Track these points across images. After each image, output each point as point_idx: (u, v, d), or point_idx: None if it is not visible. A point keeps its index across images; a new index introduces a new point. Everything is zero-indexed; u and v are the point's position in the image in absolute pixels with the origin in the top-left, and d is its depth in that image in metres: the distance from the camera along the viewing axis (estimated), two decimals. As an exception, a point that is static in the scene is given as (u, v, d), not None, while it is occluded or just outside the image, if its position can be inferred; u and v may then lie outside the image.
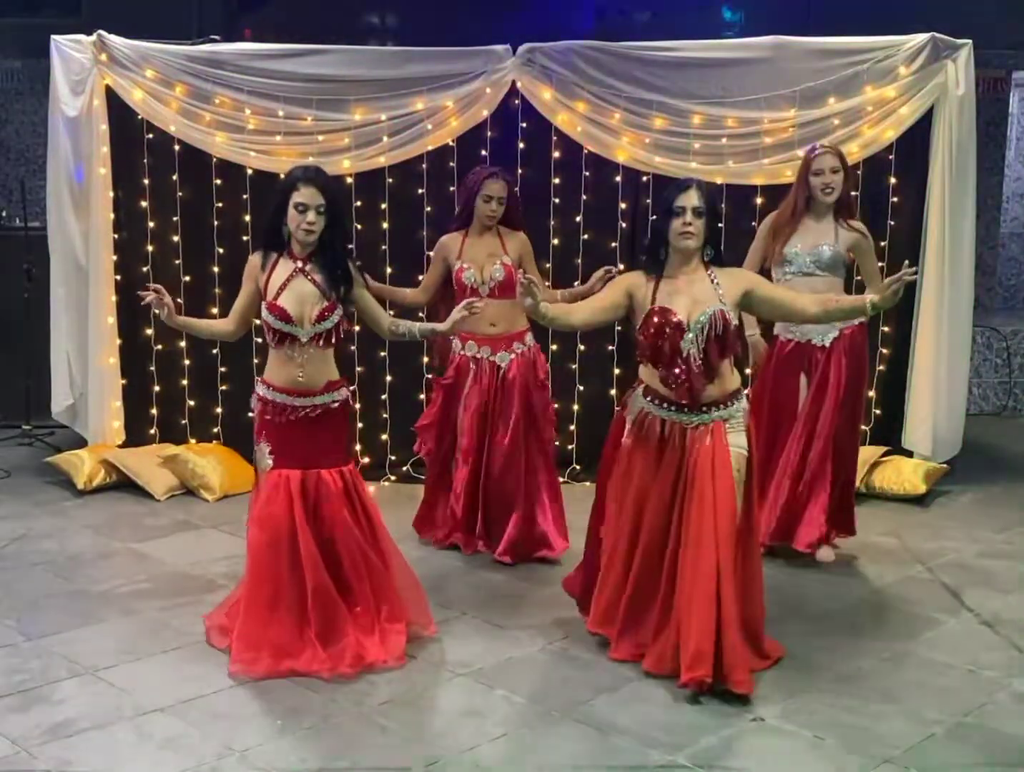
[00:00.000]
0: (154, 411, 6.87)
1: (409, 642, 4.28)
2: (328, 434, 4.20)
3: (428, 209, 6.59)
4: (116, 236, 6.72)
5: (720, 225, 4.35)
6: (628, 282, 4.24)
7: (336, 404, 4.22)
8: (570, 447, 6.81)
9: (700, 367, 4.07)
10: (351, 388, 6.59)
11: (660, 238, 4.18)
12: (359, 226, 6.65)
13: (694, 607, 3.97)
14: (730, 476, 4.08)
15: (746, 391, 4.38)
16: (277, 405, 4.17)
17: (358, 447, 6.79)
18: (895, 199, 6.62)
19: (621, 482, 4.26)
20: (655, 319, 4.08)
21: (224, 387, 6.75)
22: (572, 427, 6.80)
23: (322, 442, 4.18)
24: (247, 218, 6.59)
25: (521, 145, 6.57)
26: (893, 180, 6.59)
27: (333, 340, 4.17)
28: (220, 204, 6.66)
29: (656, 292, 4.13)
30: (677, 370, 4.07)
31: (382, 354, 6.75)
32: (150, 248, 6.73)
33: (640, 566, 4.19)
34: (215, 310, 6.42)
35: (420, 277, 6.41)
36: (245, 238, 6.54)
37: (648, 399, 4.20)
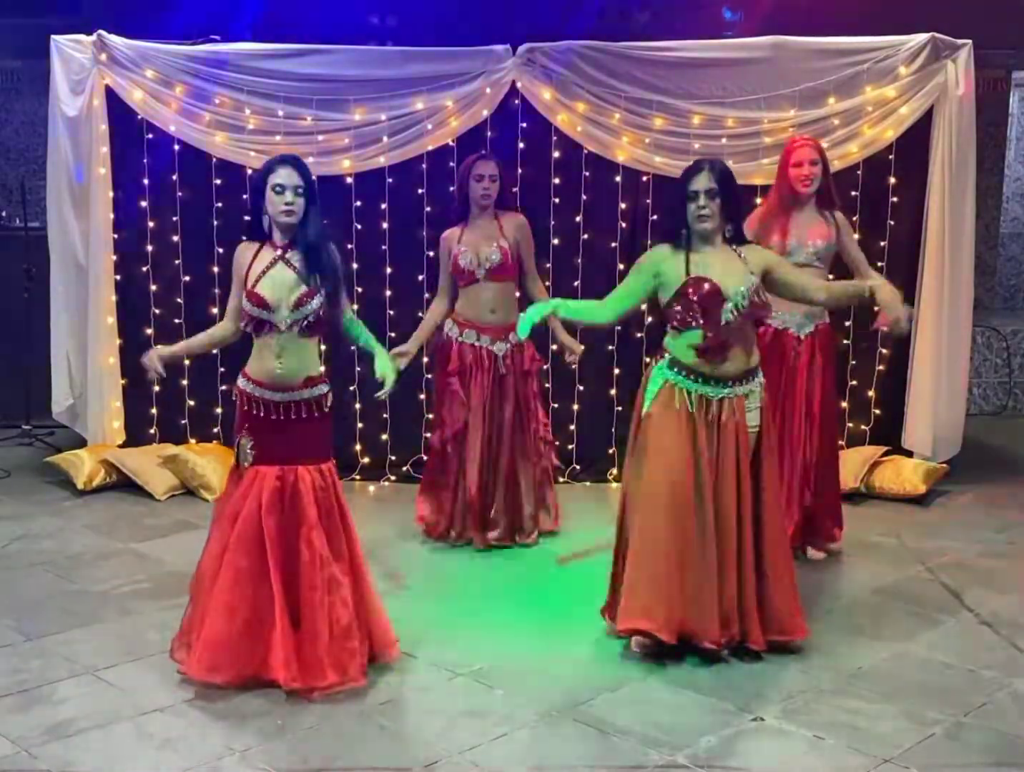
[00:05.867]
0: (154, 411, 6.87)
1: (374, 662, 4.14)
2: (307, 431, 4.07)
3: (428, 209, 6.59)
4: (116, 236, 6.72)
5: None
6: (652, 259, 4.30)
7: (314, 400, 4.09)
8: (570, 447, 6.81)
9: (737, 333, 4.17)
10: (351, 388, 6.68)
11: (680, 221, 4.25)
12: (359, 226, 6.65)
13: (726, 575, 4.18)
14: (749, 452, 4.22)
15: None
16: (255, 399, 4.06)
17: (358, 447, 6.80)
18: (895, 199, 6.62)
19: (649, 452, 4.24)
20: (691, 287, 4.15)
21: (224, 387, 6.73)
22: (572, 427, 6.80)
23: (301, 438, 4.06)
24: (247, 218, 6.55)
25: (521, 145, 6.57)
26: (893, 180, 6.59)
27: (315, 329, 4.06)
28: (220, 204, 6.66)
29: (688, 263, 4.20)
30: (715, 334, 4.15)
31: (382, 354, 6.74)
32: (150, 248, 6.73)
33: (690, 547, 4.17)
34: (215, 310, 6.42)
35: (420, 277, 6.45)
36: (245, 238, 6.52)
37: (675, 371, 4.24)
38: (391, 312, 6.71)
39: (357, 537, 4.20)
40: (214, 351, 6.67)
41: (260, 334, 4.05)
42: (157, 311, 6.77)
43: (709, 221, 4.17)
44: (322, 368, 4.19)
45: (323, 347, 4.34)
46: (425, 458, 6.16)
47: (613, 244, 6.65)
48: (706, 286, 4.15)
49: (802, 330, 5.33)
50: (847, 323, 6.71)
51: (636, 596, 4.19)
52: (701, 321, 4.17)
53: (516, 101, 6.50)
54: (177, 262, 6.75)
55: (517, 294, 5.66)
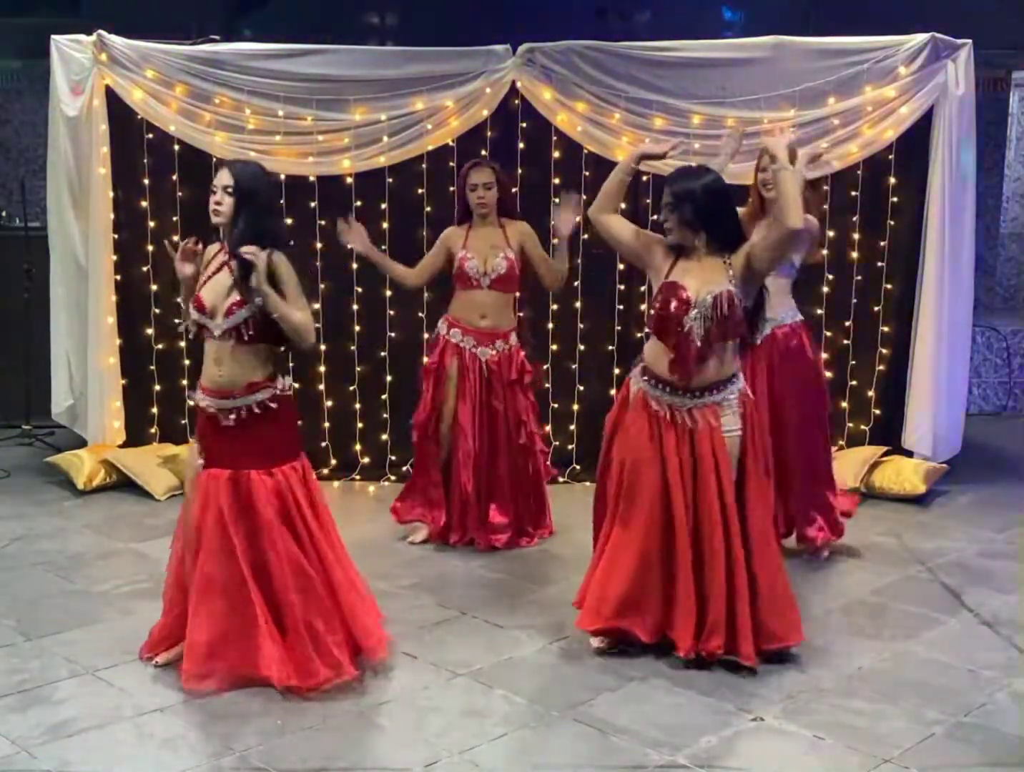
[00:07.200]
0: (154, 411, 6.87)
1: (359, 655, 4.11)
2: (255, 436, 4.00)
3: (428, 209, 6.59)
4: (116, 236, 6.72)
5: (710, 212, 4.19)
6: (657, 237, 4.31)
7: (257, 405, 3.99)
8: (570, 447, 6.81)
9: (700, 346, 4.12)
10: (351, 388, 6.68)
11: None
12: (359, 226, 6.65)
13: (712, 583, 4.14)
14: (727, 457, 4.16)
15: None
16: (204, 407, 4.04)
17: (358, 447, 6.81)
18: (895, 199, 6.62)
19: (621, 459, 4.27)
20: (664, 293, 4.17)
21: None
22: (572, 427, 6.80)
23: (249, 444, 4.00)
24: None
25: (521, 145, 6.58)
26: (893, 180, 6.59)
27: (254, 337, 3.94)
28: (220, 204, 6.65)
29: (672, 268, 4.22)
30: (678, 346, 4.14)
31: (382, 354, 6.75)
32: (150, 248, 6.73)
33: (660, 554, 4.19)
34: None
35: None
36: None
37: (645, 379, 4.27)
38: (391, 312, 6.72)
39: (331, 531, 4.16)
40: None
41: (202, 340, 4.05)
42: (157, 311, 6.77)
43: (670, 234, 4.20)
44: (269, 371, 4.03)
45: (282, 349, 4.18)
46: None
47: (613, 244, 6.64)
48: (680, 293, 4.14)
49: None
50: (847, 323, 6.72)
51: (607, 596, 4.24)
52: (666, 332, 4.16)
53: (516, 101, 6.50)
54: (177, 262, 6.74)
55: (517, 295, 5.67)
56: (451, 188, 6.43)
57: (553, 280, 5.63)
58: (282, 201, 6.59)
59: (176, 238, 6.69)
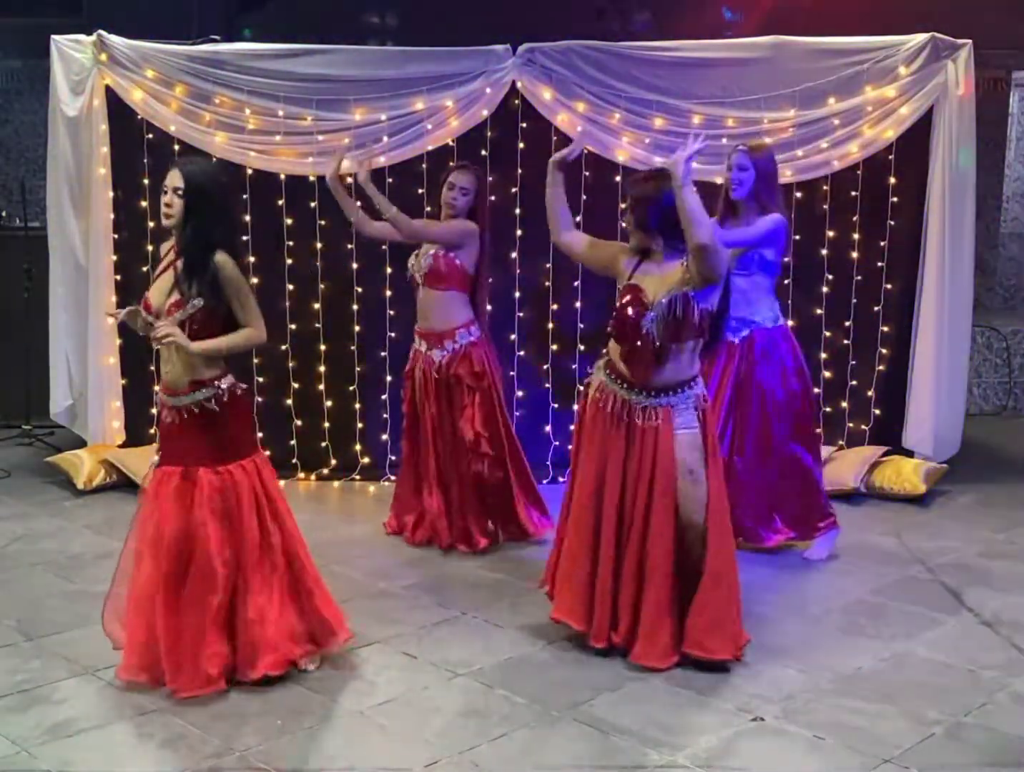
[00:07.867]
0: (154, 411, 6.86)
1: (324, 651, 4.15)
2: (203, 434, 3.99)
3: (428, 209, 6.58)
4: (116, 236, 6.73)
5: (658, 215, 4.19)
6: (620, 248, 4.40)
7: (200, 403, 3.98)
8: (569, 447, 6.80)
9: (655, 347, 4.15)
10: (351, 388, 6.67)
11: None
12: (359, 226, 6.66)
13: (624, 579, 4.21)
14: (672, 461, 4.17)
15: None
16: (159, 402, 4.12)
17: (358, 447, 6.81)
18: (895, 199, 6.62)
19: (581, 450, 4.42)
20: (627, 296, 4.22)
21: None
22: (572, 427, 6.79)
23: (195, 441, 4.00)
24: (247, 218, 6.59)
25: (521, 145, 6.57)
26: (893, 180, 6.59)
27: (194, 337, 3.91)
28: (220, 204, 6.65)
29: (635, 271, 4.27)
30: (635, 347, 4.18)
31: (382, 354, 6.75)
32: (150, 248, 6.72)
33: (602, 544, 4.27)
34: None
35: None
36: (244, 238, 6.53)
37: (607, 373, 4.33)
38: (391, 312, 6.72)
39: (281, 532, 4.11)
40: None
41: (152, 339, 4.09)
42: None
43: (631, 237, 4.26)
44: (214, 370, 4.01)
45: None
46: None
47: (613, 244, 6.64)
48: (638, 296, 4.18)
49: (736, 334, 5.21)
50: (847, 323, 6.72)
51: (562, 589, 4.39)
52: (624, 333, 4.20)
53: (516, 101, 6.50)
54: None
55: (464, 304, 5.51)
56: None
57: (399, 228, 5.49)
58: (282, 201, 6.64)
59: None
